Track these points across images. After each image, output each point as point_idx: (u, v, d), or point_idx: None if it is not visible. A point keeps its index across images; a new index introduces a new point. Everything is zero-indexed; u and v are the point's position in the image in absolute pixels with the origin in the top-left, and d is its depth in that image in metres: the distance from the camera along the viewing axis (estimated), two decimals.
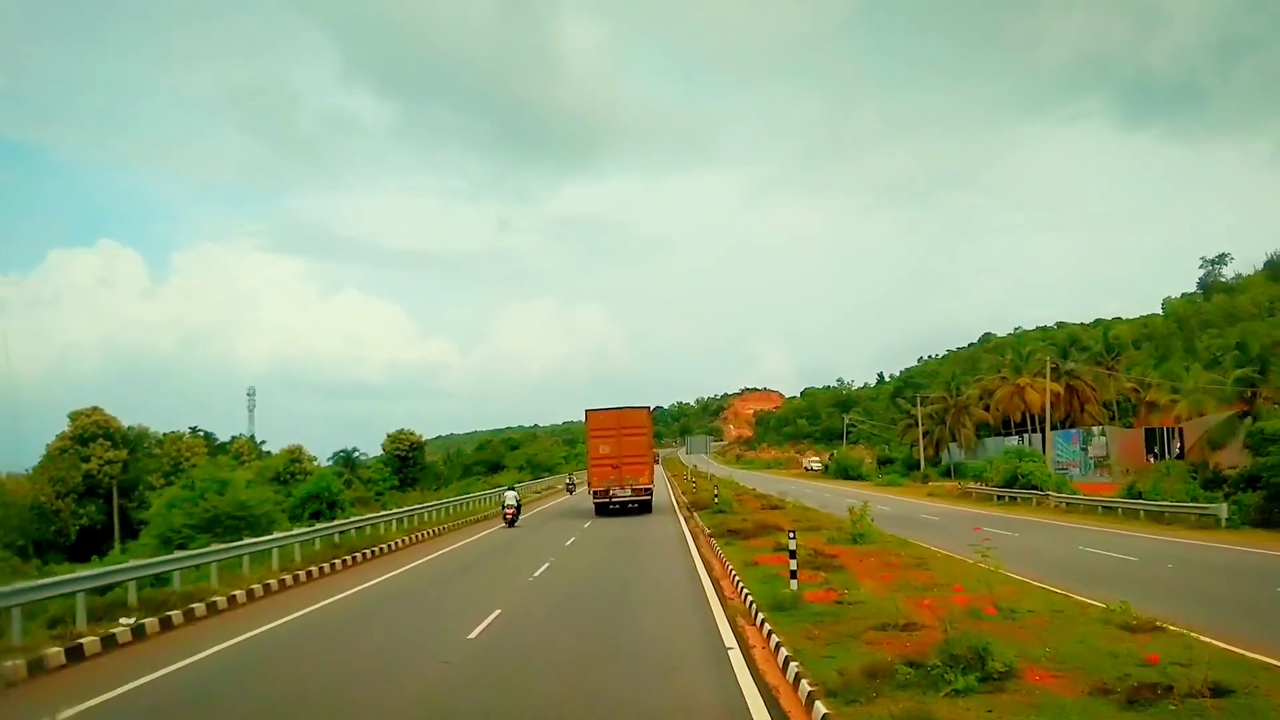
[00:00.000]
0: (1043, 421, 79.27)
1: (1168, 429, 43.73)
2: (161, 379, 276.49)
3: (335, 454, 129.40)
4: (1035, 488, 45.63)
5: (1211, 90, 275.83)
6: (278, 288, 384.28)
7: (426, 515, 40.10)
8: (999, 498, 47.94)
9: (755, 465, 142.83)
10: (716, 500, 39.08)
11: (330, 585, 22.18)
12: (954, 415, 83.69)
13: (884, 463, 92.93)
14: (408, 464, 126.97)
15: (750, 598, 16.28)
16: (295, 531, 26.62)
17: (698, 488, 57.54)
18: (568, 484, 74.52)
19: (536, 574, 23.16)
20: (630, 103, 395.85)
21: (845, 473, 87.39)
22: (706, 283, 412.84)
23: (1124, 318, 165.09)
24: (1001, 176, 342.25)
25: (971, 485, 54.40)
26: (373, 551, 28.92)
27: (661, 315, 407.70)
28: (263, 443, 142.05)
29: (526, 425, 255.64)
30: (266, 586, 20.63)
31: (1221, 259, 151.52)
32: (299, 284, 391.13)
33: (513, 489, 46.11)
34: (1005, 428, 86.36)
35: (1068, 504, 41.20)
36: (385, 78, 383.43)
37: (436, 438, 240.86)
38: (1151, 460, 42.67)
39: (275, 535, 25.05)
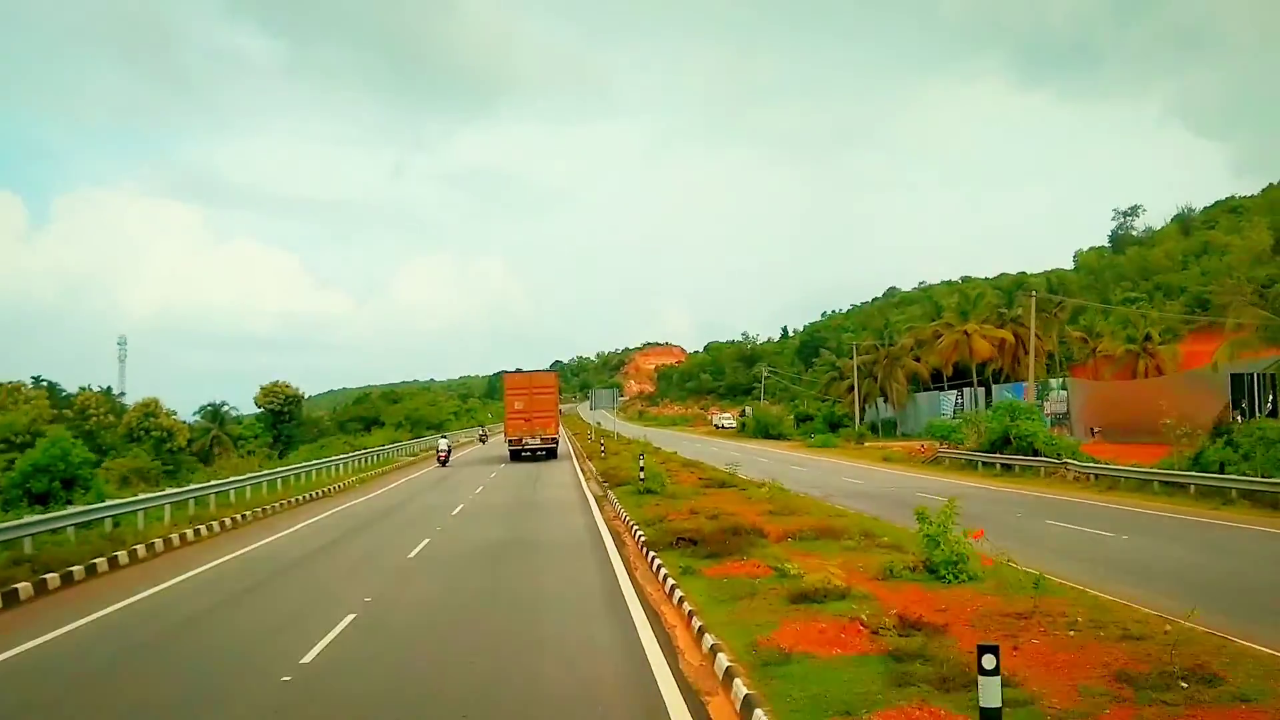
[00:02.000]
0: (983, 372, 69.85)
1: (1258, 375, 33.50)
2: (41, 328, 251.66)
3: (201, 408, 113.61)
4: (1036, 452, 34.93)
5: (1105, 51, 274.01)
6: (165, 235, 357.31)
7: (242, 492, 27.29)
8: (983, 465, 37.18)
9: (660, 422, 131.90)
10: (642, 475, 27.04)
11: None
12: (885, 366, 73.52)
13: (802, 419, 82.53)
14: (283, 419, 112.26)
15: None
16: None
17: (606, 452, 45.47)
18: (480, 435, 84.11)
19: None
20: (530, 48, 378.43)
21: (765, 431, 76.58)
22: (607, 236, 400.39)
23: (1029, 272, 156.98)
24: (900, 133, 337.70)
25: (939, 447, 43.58)
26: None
27: (562, 269, 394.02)
28: (121, 394, 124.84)
29: (423, 380, 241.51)
30: None
31: (1134, 210, 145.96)
32: (187, 232, 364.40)
33: (444, 436, 60.75)
34: (935, 381, 76.87)
35: (1095, 475, 30.49)
36: (271, 13, 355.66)
37: (328, 392, 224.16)
38: (1238, 417, 32.12)
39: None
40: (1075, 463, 31.97)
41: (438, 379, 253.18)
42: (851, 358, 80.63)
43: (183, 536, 20.91)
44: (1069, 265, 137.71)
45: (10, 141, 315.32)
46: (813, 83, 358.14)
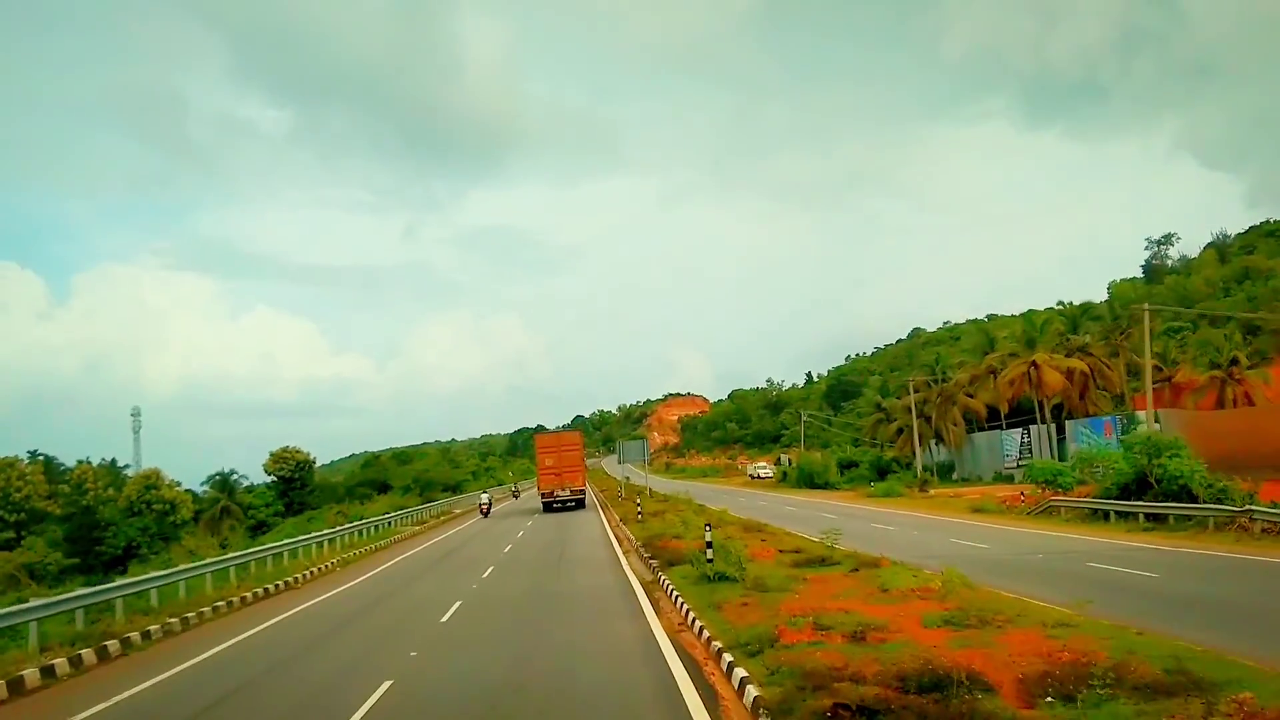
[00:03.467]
0: (1045, 408, 61.51)
1: None
2: (62, 405, 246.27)
3: (210, 477, 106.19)
4: (1194, 497, 26.72)
5: (1110, 87, 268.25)
6: (184, 307, 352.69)
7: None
8: (1116, 515, 28.94)
9: (688, 473, 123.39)
10: (710, 551, 18.92)
11: None
12: (939, 405, 65.26)
13: (845, 466, 74.13)
14: (293, 486, 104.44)
15: None
16: None
17: (644, 513, 37.40)
18: (514, 491, 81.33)
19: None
20: (535, 106, 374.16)
21: (810, 480, 68.15)
22: (623, 290, 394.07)
23: (1059, 304, 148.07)
24: (911, 177, 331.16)
25: (1043, 494, 35.35)
26: None
27: (578, 324, 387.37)
28: (125, 467, 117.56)
29: (444, 440, 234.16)
30: None
31: (1168, 239, 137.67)
32: (206, 303, 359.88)
33: (485, 492, 63.13)
34: (990, 420, 68.49)
35: None
36: (276, 82, 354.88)
37: (349, 456, 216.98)
38: None
39: None
40: (1265, 510, 23.70)
41: (459, 438, 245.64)
42: (899, 397, 72.63)
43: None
44: (1101, 297, 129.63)
45: (26, 219, 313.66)
46: (819, 130, 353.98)
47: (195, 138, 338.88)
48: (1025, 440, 61.38)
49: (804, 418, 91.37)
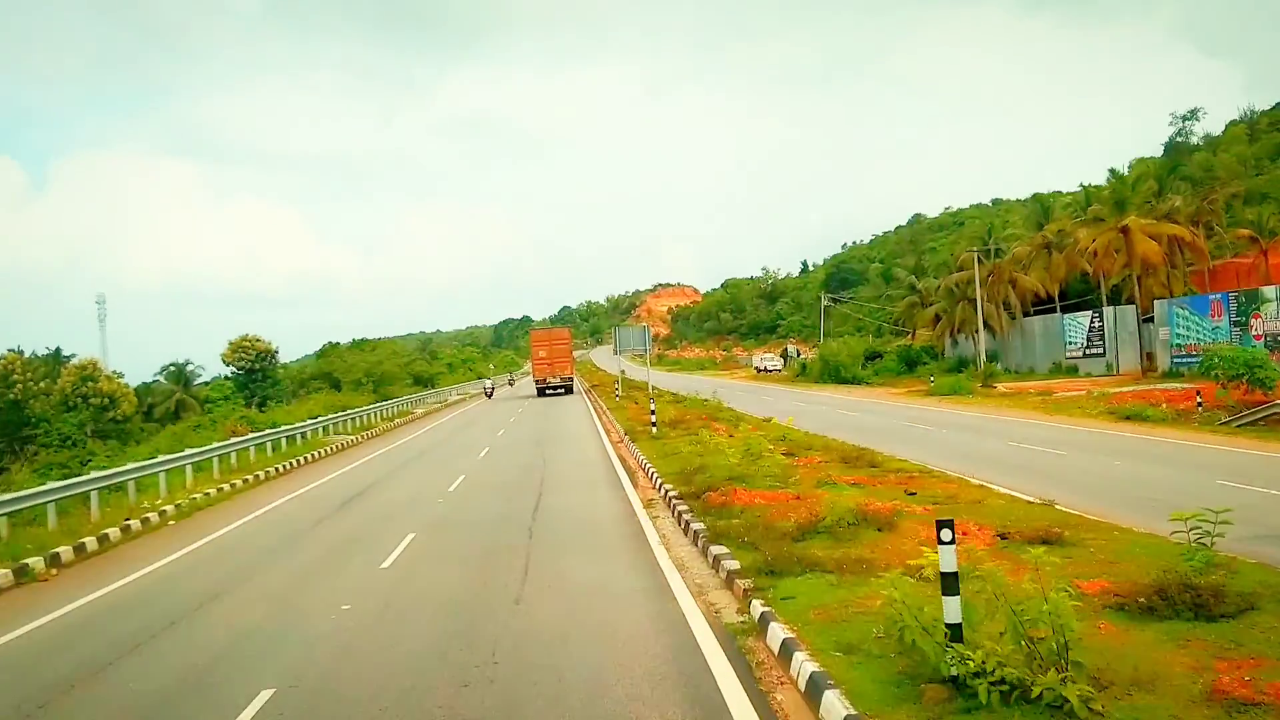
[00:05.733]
0: (1103, 288, 49.76)
1: None
2: (43, 294, 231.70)
3: (164, 368, 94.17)
4: None
5: None
6: (163, 194, 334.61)
7: None
8: None
9: (683, 366, 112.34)
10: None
11: None
12: (992, 284, 53.32)
13: (871, 358, 62.67)
14: (255, 378, 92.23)
15: None
16: None
17: (659, 425, 25.45)
18: (509, 379, 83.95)
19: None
20: None
21: (836, 373, 56.52)
22: (610, 179, 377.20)
23: (1072, 189, 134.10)
24: (903, 63, 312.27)
25: (1254, 397, 23.80)
26: None
27: (565, 214, 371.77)
28: (70, 356, 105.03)
29: (429, 331, 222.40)
30: None
31: (1194, 114, 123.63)
32: (185, 190, 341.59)
33: (485, 379, 74.46)
34: (1040, 303, 56.76)
35: None
36: None
37: (331, 344, 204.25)
38: None
39: None
40: None
41: (444, 329, 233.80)
42: (936, 277, 60.76)
43: None
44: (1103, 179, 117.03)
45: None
46: (809, 14, 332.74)
47: (165, 16, 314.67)
48: (1097, 324, 49.80)
49: (824, 302, 79.10)
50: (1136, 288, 45.93)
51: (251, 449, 26.20)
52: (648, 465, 18.83)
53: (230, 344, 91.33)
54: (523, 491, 17.36)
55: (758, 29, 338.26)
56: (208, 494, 19.71)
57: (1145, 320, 47.97)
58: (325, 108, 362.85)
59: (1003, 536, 9.48)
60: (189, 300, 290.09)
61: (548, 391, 55.77)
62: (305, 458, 27.63)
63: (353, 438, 33.80)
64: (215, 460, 23.61)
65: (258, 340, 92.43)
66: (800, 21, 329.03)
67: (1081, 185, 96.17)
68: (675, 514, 13.35)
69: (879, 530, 10.16)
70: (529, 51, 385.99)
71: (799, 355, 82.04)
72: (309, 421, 32.30)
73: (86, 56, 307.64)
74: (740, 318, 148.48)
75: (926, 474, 14.96)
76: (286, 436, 29.30)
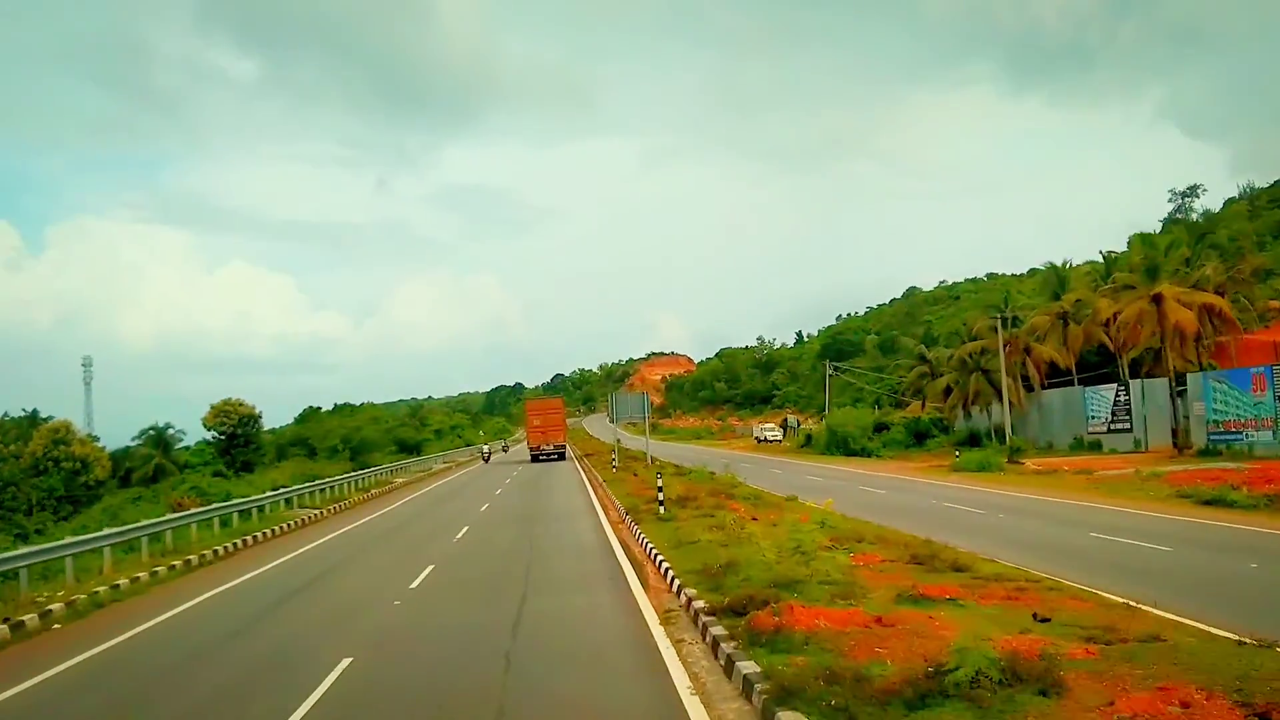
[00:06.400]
0: (1123, 361, 46.54)
1: None
2: (38, 358, 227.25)
3: (142, 431, 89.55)
4: None
5: (1095, 52, 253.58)
6: (157, 261, 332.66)
7: None
8: None
9: (678, 435, 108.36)
10: None
11: None
12: (1008, 354, 50.02)
13: (877, 429, 59.04)
14: (236, 443, 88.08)
15: None
16: None
17: (666, 505, 21.68)
18: (503, 446, 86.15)
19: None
20: (511, 61, 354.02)
21: (844, 445, 52.86)
22: (603, 251, 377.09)
23: (1074, 262, 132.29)
24: (893, 142, 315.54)
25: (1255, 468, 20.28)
26: None
27: (558, 284, 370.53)
28: (48, 419, 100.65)
29: (421, 398, 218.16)
30: None
31: (1194, 191, 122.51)
32: (180, 257, 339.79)
33: (486, 444, 79.72)
34: (1055, 375, 53.48)
35: None
36: (244, 29, 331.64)
37: (311, 408, 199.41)
38: None
39: None
40: None
41: (436, 396, 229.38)
42: (948, 347, 57.52)
43: None
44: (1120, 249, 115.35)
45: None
46: (801, 92, 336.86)
47: (162, 85, 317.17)
48: (1123, 398, 46.40)
49: (830, 371, 75.60)
50: (1165, 360, 42.64)
51: (194, 526, 22.37)
52: (658, 557, 15.10)
53: (212, 407, 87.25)
54: (502, 591, 13.60)
55: (749, 106, 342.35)
56: (116, 587, 15.86)
57: (1178, 392, 44.73)
58: (318, 177, 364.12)
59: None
60: (180, 365, 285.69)
61: (541, 458, 57.56)
62: (259, 535, 23.75)
63: (318, 511, 29.86)
64: (145, 540, 19.82)
65: (240, 403, 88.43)
66: (791, 100, 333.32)
67: (1101, 253, 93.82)
68: (708, 639, 9.62)
69: (1042, 694, 6.48)
70: (522, 124, 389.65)
71: (799, 426, 78.44)
72: (267, 494, 28.43)
73: (82, 123, 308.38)
74: (735, 387, 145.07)
75: (1035, 583, 11.28)
76: (240, 511, 25.39)
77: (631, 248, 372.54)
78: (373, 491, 38.96)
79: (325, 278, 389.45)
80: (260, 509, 27.44)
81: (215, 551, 20.54)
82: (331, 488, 34.80)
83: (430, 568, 16.32)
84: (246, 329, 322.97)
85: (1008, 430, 44.83)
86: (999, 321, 46.23)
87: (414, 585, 14.71)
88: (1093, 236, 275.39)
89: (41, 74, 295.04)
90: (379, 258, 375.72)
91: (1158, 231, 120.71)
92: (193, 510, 23.06)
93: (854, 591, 10.61)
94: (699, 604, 11.00)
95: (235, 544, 21.99)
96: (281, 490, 29.71)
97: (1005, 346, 50.84)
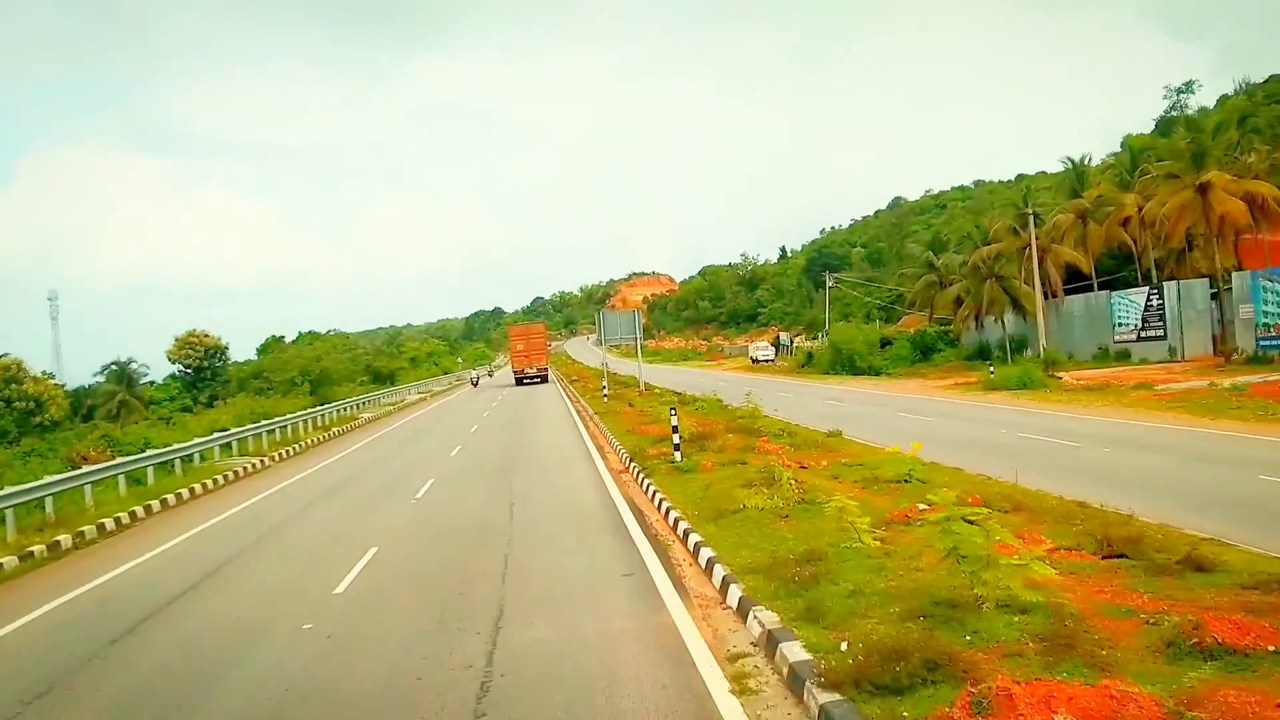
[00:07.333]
0: (1141, 262, 41.89)
1: None
2: (9, 292, 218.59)
3: (104, 367, 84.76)
4: None
5: None
6: (130, 189, 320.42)
7: None
8: None
9: (663, 357, 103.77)
10: None
11: None
12: (1027, 260, 45.17)
13: (880, 345, 54.45)
14: (203, 376, 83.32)
15: None
16: None
17: (684, 455, 16.89)
18: (488, 371, 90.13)
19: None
20: None
21: (850, 364, 48.24)
22: (583, 167, 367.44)
23: (1048, 172, 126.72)
24: (872, 50, 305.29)
25: None
26: None
27: (537, 204, 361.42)
28: (3, 356, 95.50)
29: (400, 324, 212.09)
30: None
31: (1189, 87, 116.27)
32: (149, 185, 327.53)
33: (476, 369, 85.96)
34: (1071, 281, 48.80)
35: None
36: None
37: (274, 338, 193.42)
38: None
39: None
40: None
41: (415, 323, 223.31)
42: (959, 253, 52.55)
43: None
44: (1111, 150, 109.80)
45: None
46: (783, 1, 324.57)
47: (124, 6, 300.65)
48: (1155, 303, 41.88)
49: (829, 282, 70.50)
50: (1187, 260, 38.02)
51: (88, 489, 17.44)
52: (691, 536, 10.35)
53: (176, 340, 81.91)
54: (469, 603, 8.82)
55: (729, 15, 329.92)
56: None
57: (1214, 294, 40.27)
58: (290, 98, 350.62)
59: None
60: (153, 297, 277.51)
61: (525, 380, 59.64)
62: (178, 495, 18.88)
63: (260, 460, 24.91)
64: (11, 513, 14.92)
65: (205, 335, 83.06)
66: (770, 7, 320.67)
67: (1126, 138, 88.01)
68: None
69: None
70: (498, 38, 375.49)
71: (792, 344, 73.85)
72: (195, 442, 23.40)
73: (45, 49, 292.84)
74: (719, 306, 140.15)
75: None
76: (157, 464, 20.42)
77: (612, 164, 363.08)
78: (334, 430, 34.04)
79: (301, 203, 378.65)
80: (187, 459, 22.56)
81: (103, 525, 15.67)
82: (282, 429, 29.81)
83: (371, 553, 11.52)
84: (221, 258, 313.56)
85: (1042, 340, 40.15)
86: (1029, 217, 40.92)
87: (340, 589, 9.92)
88: (1085, 137, 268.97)
89: None
90: (354, 181, 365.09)
91: (1153, 130, 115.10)
92: (84, 469, 18.05)
93: (1076, 635, 5.86)
94: (793, 649, 6.24)
95: (137, 511, 17.10)
96: (216, 436, 24.71)
97: (1026, 249, 45.98)
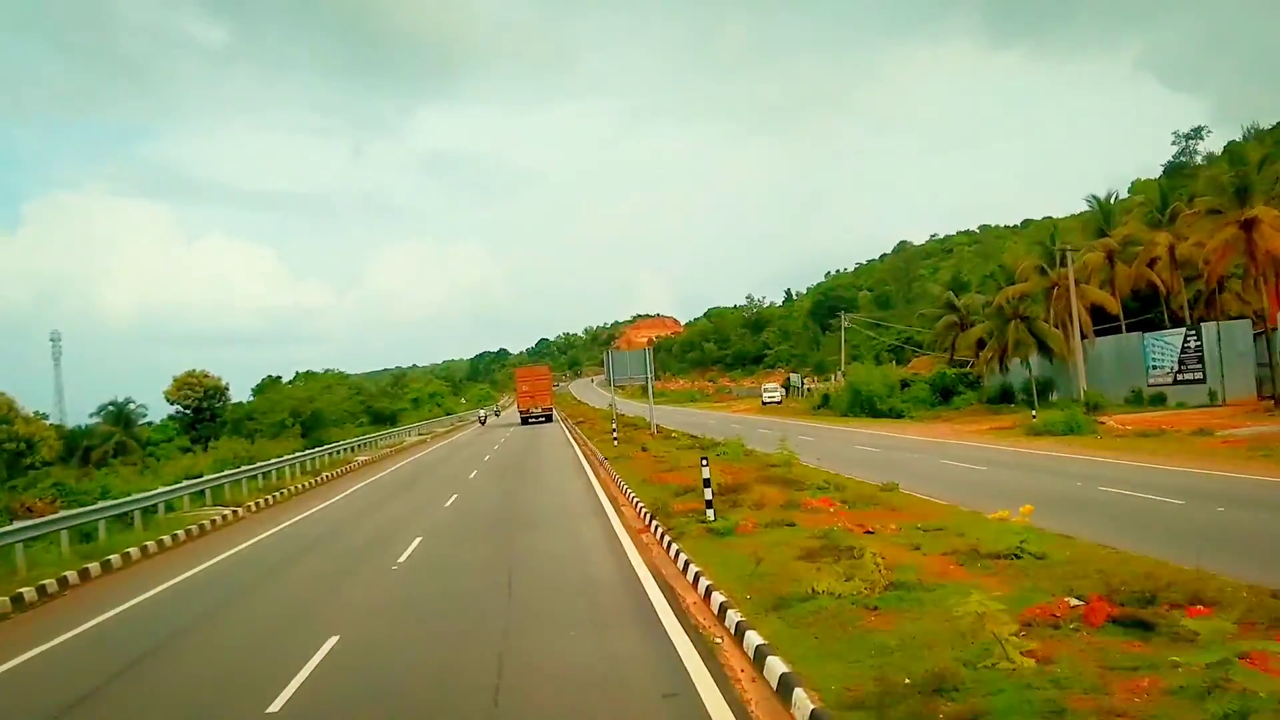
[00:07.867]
0: (1156, 305, 39.32)
1: None
2: (16, 336, 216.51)
3: (101, 407, 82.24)
4: None
5: (1074, 4, 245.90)
6: (136, 234, 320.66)
7: None
8: None
9: (669, 398, 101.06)
10: None
11: None
12: (1057, 299, 42.72)
13: (901, 386, 51.73)
14: (202, 417, 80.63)
15: None
16: None
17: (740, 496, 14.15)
18: (495, 410, 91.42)
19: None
20: (485, 21, 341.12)
21: (870, 405, 45.52)
22: (585, 214, 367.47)
23: (1054, 216, 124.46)
24: (874, 98, 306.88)
25: None
26: None
27: (541, 249, 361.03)
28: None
29: (405, 365, 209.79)
30: None
31: (1198, 133, 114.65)
32: (158, 230, 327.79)
33: (482, 410, 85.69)
34: (1098, 322, 46.20)
35: None
36: None
37: (270, 378, 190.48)
38: None
39: None
40: None
41: (420, 364, 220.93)
42: (981, 293, 50.11)
43: None
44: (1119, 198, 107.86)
45: None
46: (781, 49, 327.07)
47: (128, 52, 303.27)
48: (1193, 344, 39.25)
49: (845, 322, 67.98)
50: (1218, 303, 35.48)
51: (18, 547, 14.75)
52: (752, 637, 7.61)
53: (175, 380, 79.19)
54: None
55: (729, 64, 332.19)
56: None
57: (1259, 335, 37.72)
58: (295, 145, 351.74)
59: None
60: (159, 340, 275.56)
61: (530, 420, 62.56)
62: (125, 555, 16.15)
63: (236, 509, 22.15)
64: None
65: (205, 375, 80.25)
66: (767, 59, 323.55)
67: (1135, 183, 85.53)
68: None
69: None
70: (499, 88, 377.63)
71: (803, 385, 71.18)
72: (160, 490, 20.69)
73: (52, 96, 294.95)
74: (725, 348, 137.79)
75: None
76: (109, 517, 17.72)
77: (614, 211, 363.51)
78: (324, 475, 31.29)
79: (306, 248, 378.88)
80: (150, 510, 19.84)
81: (19, 597, 12.93)
82: (265, 474, 27.10)
83: (329, 645, 8.80)
84: (227, 302, 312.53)
85: (1082, 383, 37.50)
86: (1060, 255, 38.45)
87: (275, 707, 7.18)
88: (1090, 183, 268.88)
89: (6, 44, 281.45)
90: (359, 227, 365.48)
91: (1160, 176, 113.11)
92: (21, 524, 15.34)
93: None
94: None
95: (69, 577, 14.35)
96: (184, 484, 21.99)
97: (1052, 289, 43.50)
